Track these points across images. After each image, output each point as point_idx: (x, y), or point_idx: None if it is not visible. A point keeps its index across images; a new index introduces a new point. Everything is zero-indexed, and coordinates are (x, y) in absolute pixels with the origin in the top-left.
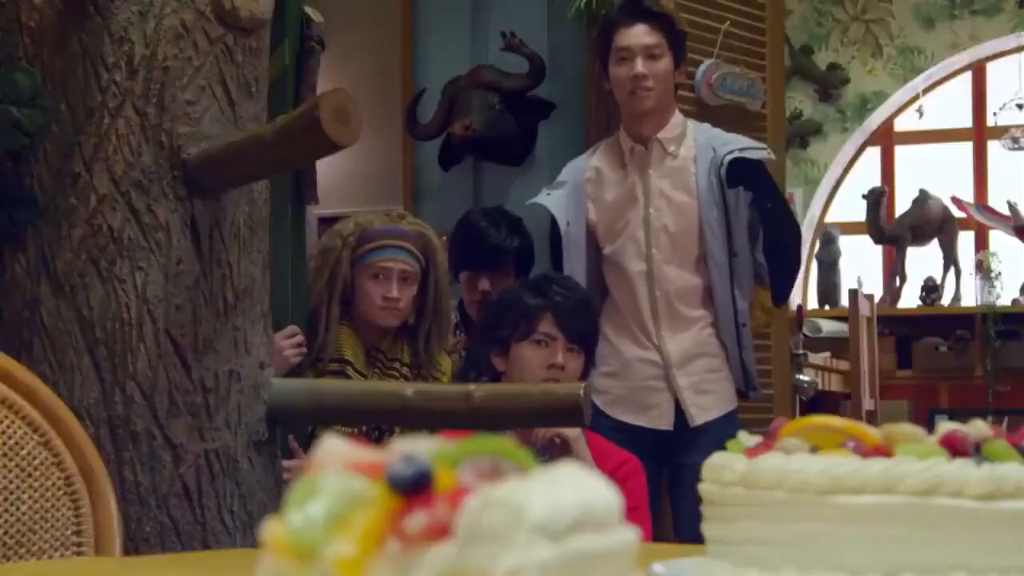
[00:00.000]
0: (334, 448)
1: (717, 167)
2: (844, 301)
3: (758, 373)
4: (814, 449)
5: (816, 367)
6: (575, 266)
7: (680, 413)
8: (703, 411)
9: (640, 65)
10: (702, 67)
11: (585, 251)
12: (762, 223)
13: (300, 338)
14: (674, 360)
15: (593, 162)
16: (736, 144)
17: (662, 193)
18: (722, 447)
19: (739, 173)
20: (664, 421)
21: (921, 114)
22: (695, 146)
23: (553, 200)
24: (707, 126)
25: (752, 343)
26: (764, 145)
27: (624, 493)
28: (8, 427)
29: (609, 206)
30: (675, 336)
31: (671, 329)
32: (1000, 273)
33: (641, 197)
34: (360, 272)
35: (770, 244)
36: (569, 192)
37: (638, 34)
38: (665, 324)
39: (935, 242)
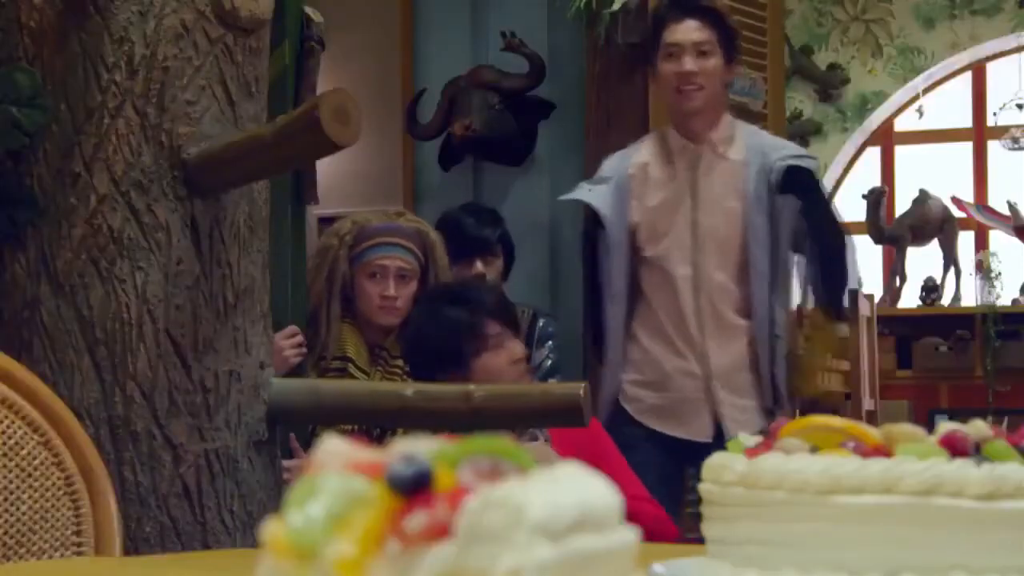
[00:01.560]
0: (334, 448)
1: (768, 172)
2: (844, 301)
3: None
4: (814, 449)
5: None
6: (615, 267)
7: (719, 424)
8: (741, 426)
9: (689, 62)
10: None
11: (626, 252)
12: (811, 233)
13: (300, 338)
14: (715, 371)
15: (638, 158)
16: (788, 150)
17: (711, 196)
18: None
19: (790, 181)
20: (704, 434)
21: (921, 114)
22: (745, 149)
23: (596, 196)
24: (755, 128)
25: (783, 359)
26: (813, 155)
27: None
28: (8, 427)
29: (654, 206)
30: (718, 346)
31: (715, 339)
32: (1000, 273)
33: (689, 199)
34: (358, 271)
35: (820, 255)
36: (612, 189)
37: (688, 30)
38: (710, 333)
39: (935, 242)
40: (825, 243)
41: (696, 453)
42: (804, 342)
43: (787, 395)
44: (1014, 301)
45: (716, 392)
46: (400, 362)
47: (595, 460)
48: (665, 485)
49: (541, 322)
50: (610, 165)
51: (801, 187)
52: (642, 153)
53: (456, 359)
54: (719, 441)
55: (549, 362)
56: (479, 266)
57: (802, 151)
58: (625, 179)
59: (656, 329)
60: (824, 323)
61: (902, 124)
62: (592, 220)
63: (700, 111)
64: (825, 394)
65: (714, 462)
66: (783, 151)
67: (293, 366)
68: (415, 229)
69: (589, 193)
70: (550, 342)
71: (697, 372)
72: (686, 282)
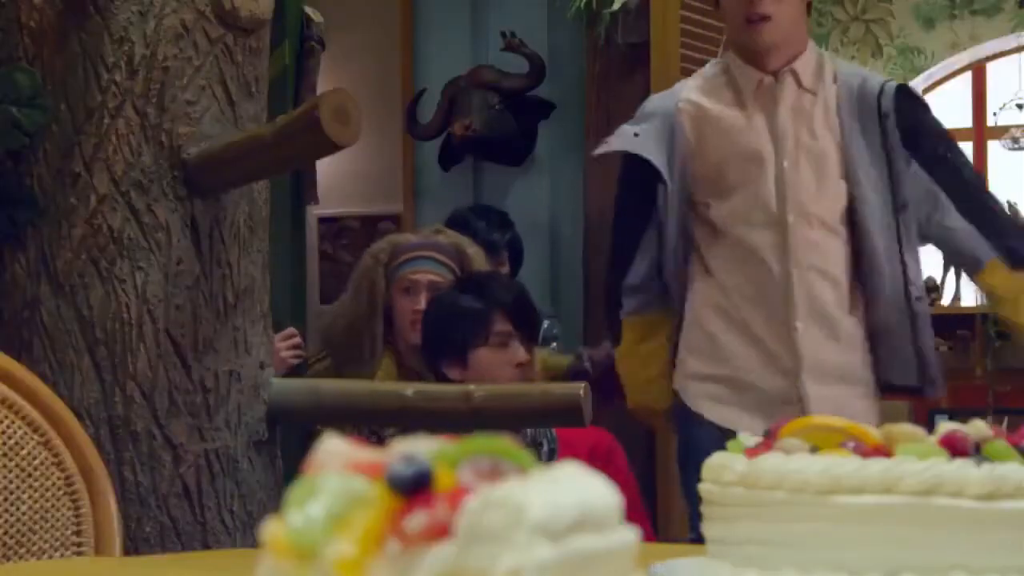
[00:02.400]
0: (334, 448)
1: (876, 96)
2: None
3: (938, 362)
4: (814, 449)
5: None
6: (670, 229)
7: None
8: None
9: None
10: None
11: (678, 210)
12: (947, 184)
13: (297, 340)
14: (807, 364)
15: (687, 91)
16: (891, 79)
17: (798, 140)
18: None
19: (912, 128)
20: None
21: None
22: (837, 77)
23: (642, 142)
24: (842, 61)
25: (930, 324)
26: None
27: (608, 473)
28: (8, 427)
29: (720, 154)
30: (813, 329)
31: (810, 320)
32: None
33: (770, 144)
34: (394, 288)
35: (959, 198)
36: (655, 129)
37: None
38: (803, 313)
39: None
40: (963, 186)
41: None
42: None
43: (939, 369)
44: None
45: (805, 388)
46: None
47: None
48: None
49: (546, 323)
50: (653, 102)
51: (914, 122)
52: (694, 89)
53: (456, 348)
54: None
55: None
56: None
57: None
58: (671, 116)
59: (731, 312)
60: (1002, 273)
61: None
62: (632, 171)
63: (777, 46)
64: None
65: (714, 462)
66: (881, 78)
67: (290, 367)
68: (450, 243)
69: (635, 140)
70: (554, 344)
71: (787, 365)
72: (772, 250)
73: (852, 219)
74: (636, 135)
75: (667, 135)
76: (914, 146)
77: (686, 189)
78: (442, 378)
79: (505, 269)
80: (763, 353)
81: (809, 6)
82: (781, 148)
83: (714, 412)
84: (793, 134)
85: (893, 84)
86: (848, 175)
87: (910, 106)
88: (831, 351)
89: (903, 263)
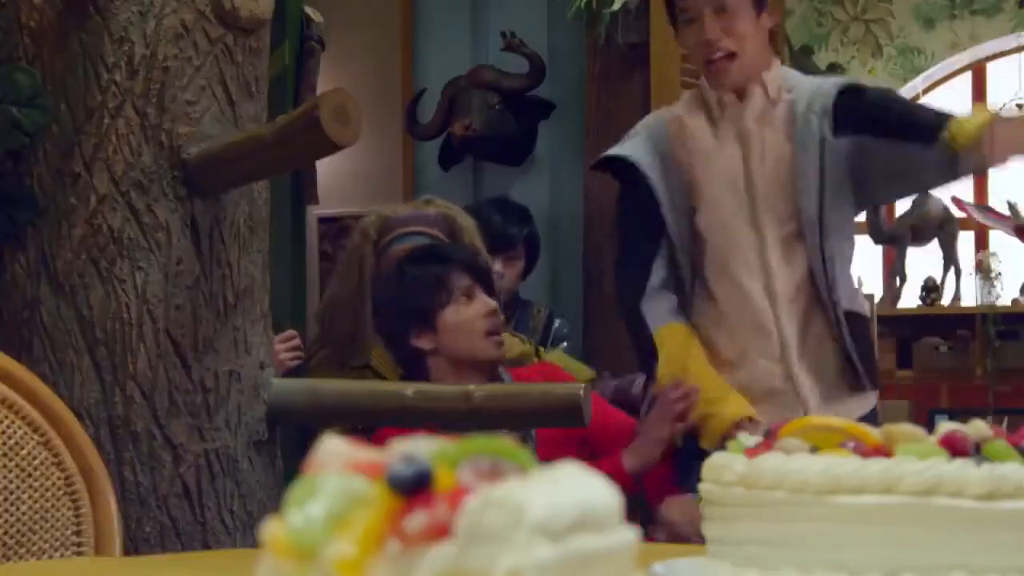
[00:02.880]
0: (334, 448)
1: (824, 100)
2: None
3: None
4: (814, 449)
5: None
6: (674, 235)
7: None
8: (825, 411)
9: (711, 28)
10: None
11: (671, 212)
12: (887, 134)
13: (297, 342)
14: (792, 347)
15: (675, 111)
16: (842, 79)
17: (764, 148)
18: None
19: (855, 116)
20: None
21: None
22: (796, 85)
23: (630, 148)
24: (790, 70)
25: (845, 313)
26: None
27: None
28: (8, 427)
29: (699, 164)
30: (790, 316)
31: (786, 308)
32: (1000, 273)
33: (740, 154)
34: (385, 265)
35: (906, 132)
36: (645, 139)
37: None
38: (780, 302)
39: (935, 242)
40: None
41: None
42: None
43: (866, 370)
44: (1014, 301)
45: (793, 370)
46: None
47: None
48: None
49: (557, 323)
50: (641, 122)
51: (863, 117)
52: (678, 107)
53: (423, 315)
54: None
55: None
56: (498, 266)
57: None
58: (662, 131)
59: (720, 315)
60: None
61: None
62: (625, 180)
63: (737, 80)
64: None
65: (714, 462)
66: (836, 80)
67: (289, 369)
68: (441, 214)
69: (623, 146)
70: (565, 343)
71: (776, 353)
72: (749, 245)
73: (798, 215)
74: (623, 144)
75: (656, 145)
76: (858, 128)
77: (683, 198)
78: (412, 353)
79: (520, 263)
80: (758, 345)
81: (774, 28)
82: (749, 156)
83: None
84: (760, 143)
85: (839, 87)
86: (796, 177)
87: (845, 107)
88: (807, 335)
89: (823, 254)
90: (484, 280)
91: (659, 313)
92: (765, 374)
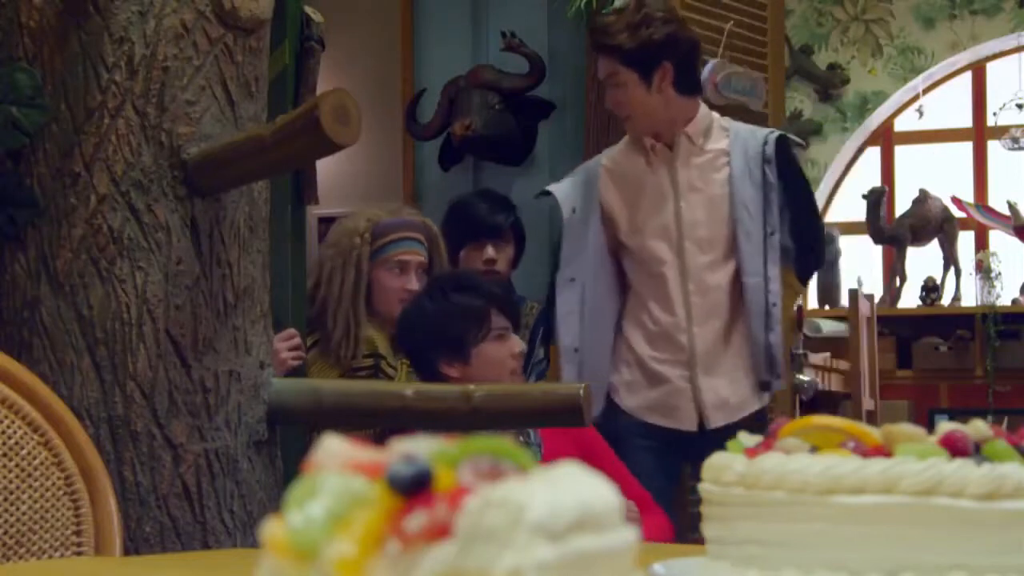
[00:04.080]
0: (334, 448)
1: (761, 146)
2: (844, 301)
3: (785, 362)
4: (814, 449)
5: (816, 367)
6: (573, 253)
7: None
8: (724, 413)
9: (608, 97)
10: (707, 67)
11: (594, 240)
12: (793, 208)
13: (297, 341)
14: (700, 360)
15: (610, 153)
16: (774, 131)
17: (692, 186)
18: None
19: (782, 162)
20: (688, 423)
21: (921, 114)
22: (727, 136)
23: (558, 187)
24: (736, 122)
25: (780, 327)
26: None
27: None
28: (8, 427)
29: (632, 198)
30: (705, 334)
31: (702, 326)
32: (1000, 273)
33: (670, 191)
34: (377, 266)
35: (799, 228)
36: (579, 180)
37: (600, 67)
38: (697, 319)
39: (935, 242)
40: (800, 213)
41: (685, 444)
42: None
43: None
44: (1014, 301)
45: (698, 380)
46: None
47: (592, 464)
48: (660, 476)
49: None
50: (582, 166)
51: (784, 163)
52: (615, 150)
53: (457, 345)
54: (702, 429)
55: None
56: (490, 251)
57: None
58: (596, 170)
59: (645, 322)
60: (791, 281)
61: (902, 124)
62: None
63: (647, 132)
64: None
65: (714, 462)
66: (768, 129)
67: (290, 369)
68: (423, 223)
69: (554, 185)
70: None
71: (684, 360)
72: (673, 271)
73: (735, 244)
74: (556, 184)
75: (588, 184)
76: (783, 178)
77: (609, 224)
78: (439, 378)
79: (511, 249)
80: (669, 354)
81: (691, 83)
82: (678, 193)
83: (630, 400)
84: (687, 182)
85: (775, 135)
86: (733, 210)
87: (786, 151)
88: (721, 351)
89: (766, 277)
90: (516, 321)
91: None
92: (674, 376)
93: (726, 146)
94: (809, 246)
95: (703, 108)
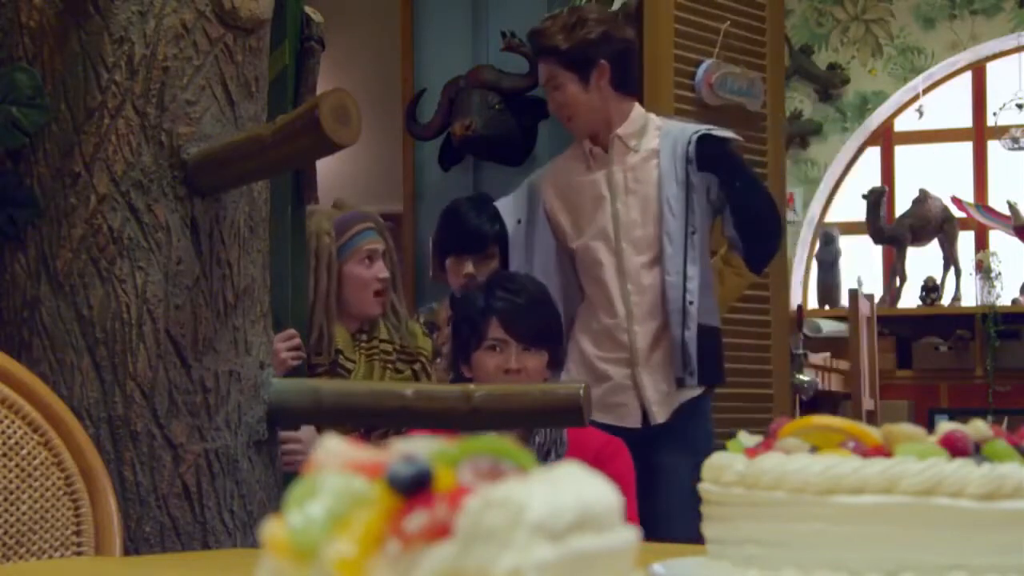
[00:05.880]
0: (334, 448)
1: (685, 145)
2: (844, 301)
3: (698, 356)
4: (814, 449)
5: (816, 367)
6: (519, 263)
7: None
8: (666, 409)
9: (549, 99)
10: (702, 67)
11: (541, 248)
12: (732, 203)
13: (297, 341)
14: (641, 358)
15: (552, 163)
16: (701, 128)
17: (627, 187)
18: (687, 445)
19: (708, 158)
20: (632, 419)
21: (921, 114)
22: (657, 138)
23: (502, 202)
24: (671, 119)
25: (697, 324)
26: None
27: (609, 474)
28: (8, 427)
29: (574, 203)
30: (643, 330)
31: (641, 323)
32: (1000, 273)
33: (607, 193)
34: (346, 260)
35: (742, 221)
36: (523, 193)
37: (540, 72)
38: (636, 318)
39: (935, 242)
40: (747, 210)
41: (631, 441)
42: (715, 275)
43: (699, 362)
44: (1014, 301)
45: (640, 377)
46: (379, 343)
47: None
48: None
49: None
50: (528, 177)
51: (718, 162)
52: (557, 160)
53: (464, 347)
54: (646, 426)
55: None
56: (469, 266)
57: (718, 128)
58: (537, 182)
59: (592, 321)
60: (740, 267)
61: (902, 124)
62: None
63: (586, 131)
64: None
65: (714, 462)
66: (700, 128)
67: (290, 369)
68: (372, 213)
69: (500, 200)
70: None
71: (626, 357)
72: (612, 272)
73: (660, 243)
74: (503, 198)
75: (531, 194)
76: (718, 174)
77: (556, 230)
78: (460, 378)
79: (494, 263)
80: (612, 352)
81: (627, 81)
82: (614, 197)
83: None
84: (622, 183)
85: (698, 134)
86: (660, 210)
87: (709, 147)
88: (659, 348)
89: (685, 275)
90: (521, 337)
91: None
92: (617, 375)
93: (657, 145)
94: (756, 237)
95: (638, 108)
